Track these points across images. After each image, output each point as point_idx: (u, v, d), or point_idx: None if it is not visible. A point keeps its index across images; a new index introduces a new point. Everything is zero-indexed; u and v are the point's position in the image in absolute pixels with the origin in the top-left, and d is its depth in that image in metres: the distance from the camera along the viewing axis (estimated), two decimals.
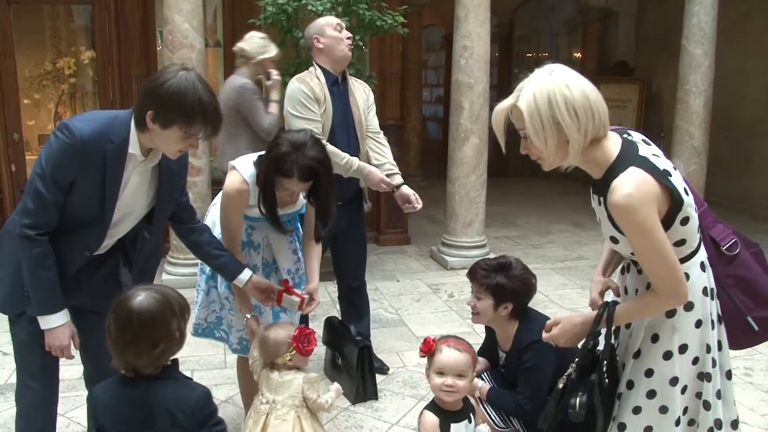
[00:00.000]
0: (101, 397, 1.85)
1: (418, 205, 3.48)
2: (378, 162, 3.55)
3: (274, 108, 4.31)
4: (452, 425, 2.27)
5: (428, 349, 2.31)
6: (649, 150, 1.82)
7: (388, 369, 3.89)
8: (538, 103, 1.72)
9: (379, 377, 3.69)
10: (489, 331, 2.94)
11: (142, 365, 1.78)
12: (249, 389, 3.00)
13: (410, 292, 5.35)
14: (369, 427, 3.31)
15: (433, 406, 2.32)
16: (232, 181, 2.62)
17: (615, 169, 1.77)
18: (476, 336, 4.42)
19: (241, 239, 2.73)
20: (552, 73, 1.76)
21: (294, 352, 2.43)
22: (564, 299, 5.22)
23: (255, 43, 4.34)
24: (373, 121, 3.66)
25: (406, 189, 3.50)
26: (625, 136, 1.86)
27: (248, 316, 2.70)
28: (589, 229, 7.53)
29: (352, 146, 3.47)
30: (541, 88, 1.73)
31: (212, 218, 2.87)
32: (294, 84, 3.39)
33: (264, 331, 2.54)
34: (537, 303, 5.04)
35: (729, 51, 7.54)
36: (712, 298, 1.95)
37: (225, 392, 3.60)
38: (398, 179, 3.54)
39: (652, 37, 9.68)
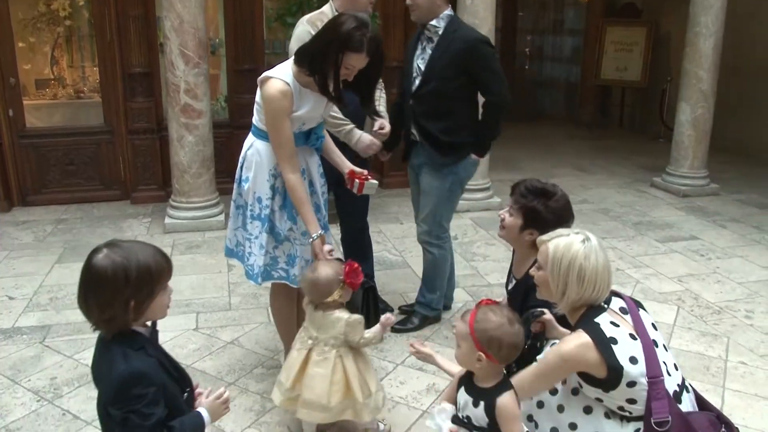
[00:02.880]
0: None
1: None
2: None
3: None
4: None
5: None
6: (608, 318, 2.09)
7: (392, 310, 3.92)
8: (562, 259, 2.10)
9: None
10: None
11: (93, 323, 1.72)
12: (287, 324, 3.04)
13: (414, 235, 5.33)
14: (374, 367, 3.33)
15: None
16: (271, 87, 2.63)
17: (575, 327, 2.14)
18: (479, 278, 4.44)
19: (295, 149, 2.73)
20: (585, 242, 2.11)
21: (343, 287, 2.50)
22: None
23: None
24: None
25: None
26: (599, 303, 2.15)
27: (314, 236, 2.69)
28: (593, 173, 7.49)
29: None
30: (570, 249, 2.10)
31: (251, 162, 2.81)
32: (303, 26, 3.30)
33: (310, 274, 2.56)
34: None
35: None
36: None
37: (230, 334, 3.63)
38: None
39: None
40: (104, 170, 6.04)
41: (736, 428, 2.09)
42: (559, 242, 2.14)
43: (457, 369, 2.26)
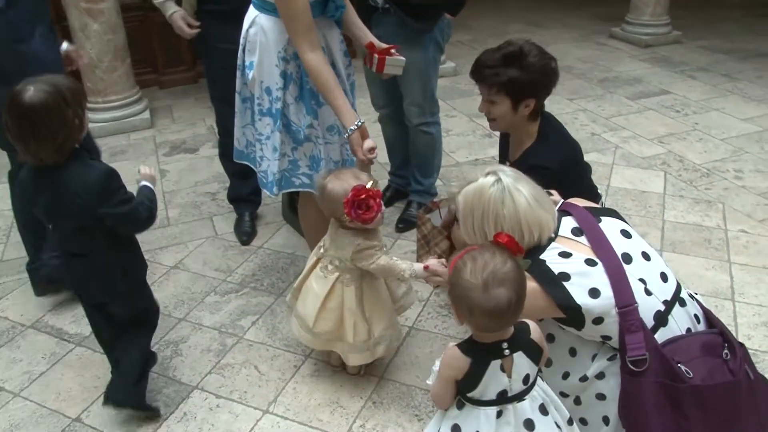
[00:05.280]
0: (21, 183, 2.00)
1: None
2: None
3: None
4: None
5: None
6: (556, 249, 1.74)
7: None
8: (473, 212, 1.77)
9: None
10: (503, 139, 2.52)
11: (46, 155, 1.85)
12: (318, 235, 2.56)
13: (372, 115, 4.81)
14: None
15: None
16: None
17: None
18: (446, 156, 4.01)
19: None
20: (496, 184, 1.75)
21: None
22: None
23: None
24: None
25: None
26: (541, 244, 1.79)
27: (351, 128, 2.14)
28: (548, 28, 6.95)
29: None
30: (481, 198, 1.76)
31: (254, 43, 2.26)
32: None
33: (323, 179, 2.07)
34: None
35: None
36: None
37: (172, 256, 3.12)
38: None
39: None
40: None
41: (740, 345, 1.71)
42: (468, 190, 1.79)
43: None
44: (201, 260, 3.08)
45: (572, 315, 1.68)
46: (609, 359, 1.75)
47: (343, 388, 2.29)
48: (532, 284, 1.66)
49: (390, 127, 3.38)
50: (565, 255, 1.72)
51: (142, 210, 1.99)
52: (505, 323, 1.52)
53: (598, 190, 2.49)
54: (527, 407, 1.61)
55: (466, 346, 1.58)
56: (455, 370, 1.58)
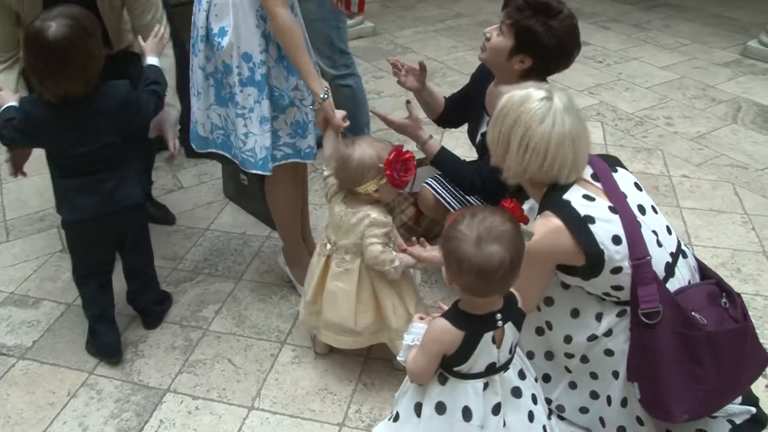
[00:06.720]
0: (36, 115, 1.90)
1: None
2: None
3: None
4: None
5: None
6: (580, 191, 1.69)
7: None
8: (507, 116, 1.68)
9: None
10: (479, 80, 2.38)
11: (75, 90, 1.84)
12: (287, 214, 2.38)
13: None
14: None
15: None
16: None
17: (540, 209, 1.74)
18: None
19: None
20: (544, 101, 1.65)
21: (384, 181, 1.88)
22: (461, 63, 4.71)
23: None
24: None
25: None
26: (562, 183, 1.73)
27: (323, 95, 2.00)
28: None
29: None
30: (521, 105, 1.67)
31: (225, 5, 2.00)
32: None
33: (345, 147, 1.92)
34: (435, 71, 4.56)
35: None
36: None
37: None
38: None
39: None
40: None
41: (738, 294, 1.74)
42: (514, 94, 1.70)
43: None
44: None
45: (593, 261, 1.64)
46: (618, 315, 1.73)
47: (328, 372, 2.17)
48: (556, 221, 1.65)
49: None
50: (589, 198, 1.68)
51: (149, 102, 2.03)
52: (492, 288, 1.44)
53: None
54: (512, 375, 1.58)
55: (457, 319, 1.51)
56: (446, 344, 1.51)
